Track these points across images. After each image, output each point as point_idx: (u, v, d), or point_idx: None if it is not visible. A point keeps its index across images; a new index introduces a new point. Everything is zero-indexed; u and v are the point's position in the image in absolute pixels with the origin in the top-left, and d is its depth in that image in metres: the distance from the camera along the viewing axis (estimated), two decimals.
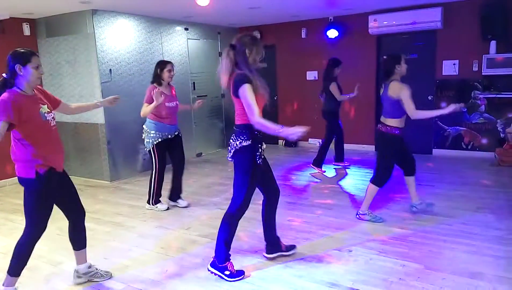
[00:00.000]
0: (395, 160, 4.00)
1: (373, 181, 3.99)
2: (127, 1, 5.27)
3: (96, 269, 3.07)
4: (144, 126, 4.47)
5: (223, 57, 2.89)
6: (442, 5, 6.30)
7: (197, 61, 7.50)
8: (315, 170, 6.00)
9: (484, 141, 6.52)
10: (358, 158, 6.79)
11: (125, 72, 6.10)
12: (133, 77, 6.22)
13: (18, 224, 4.25)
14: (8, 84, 2.58)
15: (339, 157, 6.25)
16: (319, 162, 5.99)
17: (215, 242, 3.66)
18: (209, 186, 5.53)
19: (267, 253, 3.32)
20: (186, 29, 7.18)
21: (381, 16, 6.69)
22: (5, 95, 2.53)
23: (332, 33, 7.28)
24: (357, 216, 4.10)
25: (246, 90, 2.75)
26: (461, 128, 6.66)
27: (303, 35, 7.78)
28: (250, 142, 2.87)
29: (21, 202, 2.74)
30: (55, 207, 2.80)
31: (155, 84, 4.36)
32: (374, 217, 4.02)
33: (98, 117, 5.88)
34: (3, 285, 2.74)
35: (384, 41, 7.14)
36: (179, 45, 7.04)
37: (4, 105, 2.48)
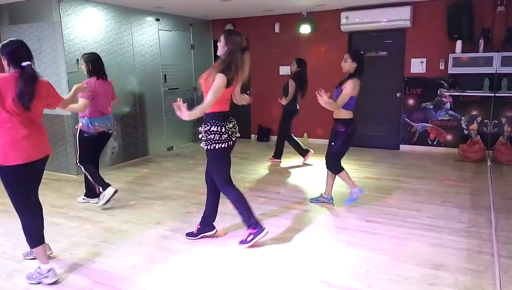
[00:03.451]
0: None
1: None
2: None
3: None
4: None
5: (246, 57, 3.36)
6: (411, 4, 6.45)
7: (169, 53, 7.37)
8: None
9: (449, 137, 6.75)
10: None
11: None
12: None
13: None
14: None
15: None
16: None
17: (183, 237, 3.65)
18: (179, 180, 5.47)
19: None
20: (157, 20, 7.04)
21: (352, 13, 6.77)
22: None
23: (305, 29, 7.33)
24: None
25: None
26: (427, 124, 6.87)
27: (277, 30, 7.78)
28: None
29: None
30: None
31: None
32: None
33: None
34: None
35: (355, 38, 7.24)
36: (149, 36, 6.90)
37: None
